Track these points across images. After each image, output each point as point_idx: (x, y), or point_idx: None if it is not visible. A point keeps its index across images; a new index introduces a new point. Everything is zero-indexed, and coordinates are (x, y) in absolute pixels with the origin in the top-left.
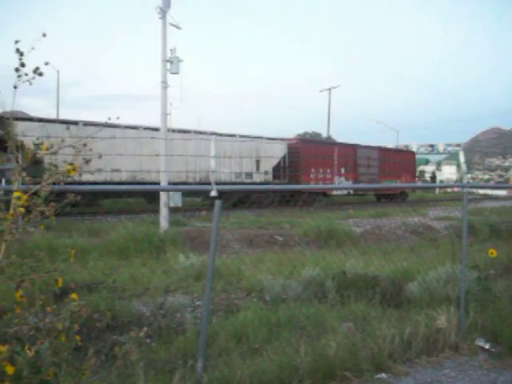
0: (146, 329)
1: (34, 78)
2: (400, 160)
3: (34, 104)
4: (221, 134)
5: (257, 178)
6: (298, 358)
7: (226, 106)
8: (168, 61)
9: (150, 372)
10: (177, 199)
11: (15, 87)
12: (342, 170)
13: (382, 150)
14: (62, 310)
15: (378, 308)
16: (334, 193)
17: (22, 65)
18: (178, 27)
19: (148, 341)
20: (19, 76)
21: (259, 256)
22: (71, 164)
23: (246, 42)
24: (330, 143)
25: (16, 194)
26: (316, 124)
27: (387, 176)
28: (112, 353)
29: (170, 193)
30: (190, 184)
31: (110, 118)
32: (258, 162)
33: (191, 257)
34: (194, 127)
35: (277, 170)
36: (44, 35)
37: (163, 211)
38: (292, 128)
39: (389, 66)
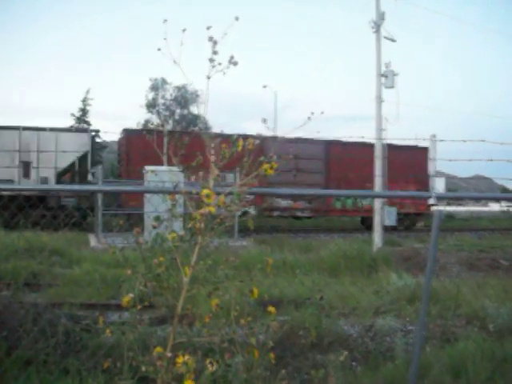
0: (346, 353)
1: (228, 67)
2: (392, 161)
3: (255, 127)
4: None
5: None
6: None
7: (442, 120)
8: (383, 75)
9: None
10: (392, 218)
11: (208, 77)
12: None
13: (340, 145)
14: (258, 324)
15: None
16: None
17: (215, 52)
18: (392, 40)
19: (354, 364)
20: (213, 66)
21: (481, 281)
22: (269, 162)
23: (463, 49)
24: (197, 134)
25: (205, 192)
26: None
27: (352, 185)
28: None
29: (386, 211)
30: None
31: None
32: (26, 164)
33: (405, 277)
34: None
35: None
36: (237, 19)
37: (377, 229)
38: None
39: None
